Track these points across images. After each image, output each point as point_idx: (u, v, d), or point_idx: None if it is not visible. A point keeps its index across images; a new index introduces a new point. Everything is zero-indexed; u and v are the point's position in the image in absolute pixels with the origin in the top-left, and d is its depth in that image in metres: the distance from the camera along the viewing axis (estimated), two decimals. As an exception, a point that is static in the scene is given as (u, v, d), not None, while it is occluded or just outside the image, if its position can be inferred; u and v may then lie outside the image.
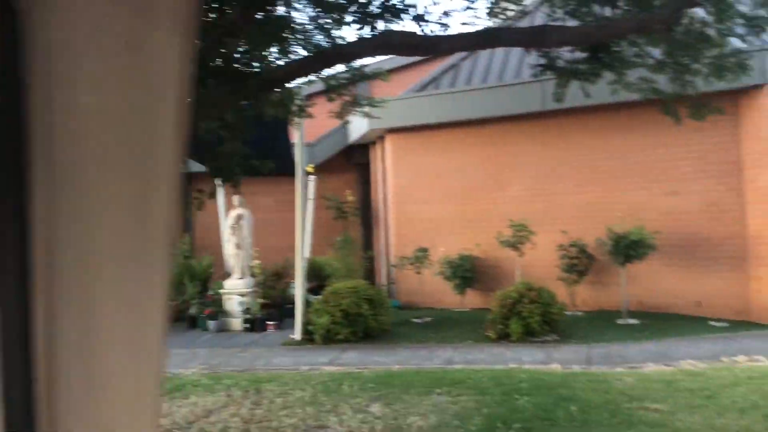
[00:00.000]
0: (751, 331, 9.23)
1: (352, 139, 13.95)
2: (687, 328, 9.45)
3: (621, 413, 5.75)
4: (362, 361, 8.49)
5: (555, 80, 5.21)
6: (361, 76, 7.50)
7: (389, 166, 12.83)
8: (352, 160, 14.71)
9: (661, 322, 9.93)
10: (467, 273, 11.41)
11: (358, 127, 13.19)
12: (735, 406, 5.83)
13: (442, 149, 12.23)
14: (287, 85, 5.12)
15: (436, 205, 12.24)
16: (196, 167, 12.65)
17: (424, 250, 11.22)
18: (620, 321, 10.04)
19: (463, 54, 13.17)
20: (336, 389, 7.00)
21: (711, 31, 5.93)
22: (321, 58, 4.62)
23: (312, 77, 6.83)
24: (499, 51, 12.48)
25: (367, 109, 8.48)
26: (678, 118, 6.01)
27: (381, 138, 13.31)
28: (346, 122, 7.62)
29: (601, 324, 9.99)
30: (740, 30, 6.07)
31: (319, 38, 4.80)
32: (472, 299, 11.73)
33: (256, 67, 4.45)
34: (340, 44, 4.87)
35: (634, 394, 6.34)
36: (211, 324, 11.29)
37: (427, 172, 12.35)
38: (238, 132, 4.63)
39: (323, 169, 13.77)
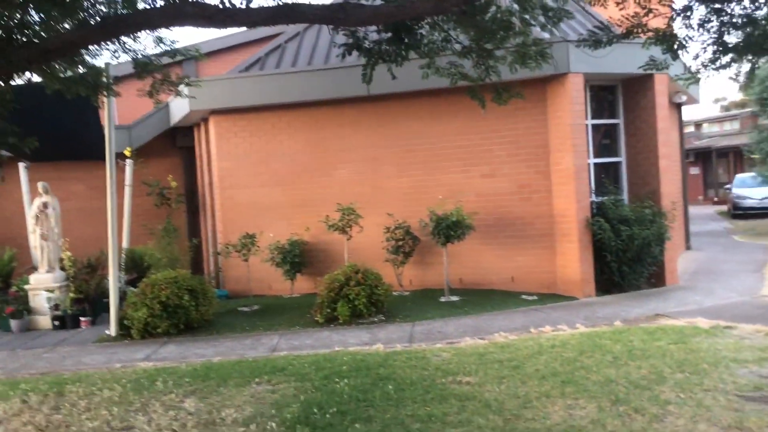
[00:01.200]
0: (557, 303, 9.98)
1: (174, 121, 13.23)
2: (502, 303, 10.02)
3: (435, 388, 5.92)
4: (182, 355, 8.08)
5: (363, 62, 5.17)
6: (172, 53, 7.07)
7: (213, 150, 12.32)
8: (176, 143, 13.97)
9: (479, 297, 10.45)
10: (297, 258, 11.28)
11: (180, 108, 12.53)
12: (537, 374, 6.23)
13: (268, 132, 11.94)
14: (70, 56, 4.63)
15: (264, 189, 11.96)
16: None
17: (251, 236, 10.91)
18: (443, 299, 10.42)
19: (288, 35, 12.95)
20: (148, 386, 6.57)
21: (515, 20, 6.22)
22: (104, 26, 4.20)
23: (113, 51, 6.31)
24: (324, 33, 12.39)
25: (182, 88, 8.02)
26: (483, 103, 6.25)
27: (205, 120, 12.75)
28: (159, 102, 7.14)
29: (425, 302, 10.31)
30: (542, 19, 6.43)
31: (102, 4, 4.38)
32: (302, 285, 11.62)
33: (27, 36, 3.96)
34: (126, 12, 4.46)
35: (449, 368, 6.57)
36: (14, 323, 10.22)
37: (253, 155, 12.01)
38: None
39: (144, 153, 12.96)
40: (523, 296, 10.47)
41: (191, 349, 8.35)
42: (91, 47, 5.68)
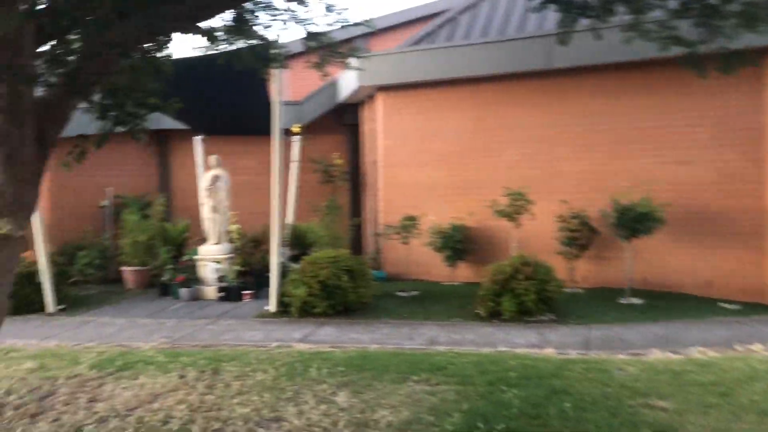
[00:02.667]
0: (766, 316, 8.45)
1: (342, 97, 13.01)
2: (695, 310, 8.66)
3: (622, 412, 4.99)
4: (338, 338, 7.73)
5: (560, 17, 4.32)
6: (342, 22, 6.65)
7: (379, 127, 11.93)
8: (343, 121, 13.79)
9: (667, 301, 9.15)
10: (459, 244, 10.61)
11: (348, 84, 12.27)
12: (754, 406, 5.06)
13: (434, 109, 11.32)
14: (204, 23, 4.25)
15: (427, 169, 11.39)
16: (171, 124, 11.82)
17: (413, 218, 10.38)
18: (623, 300, 9.25)
19: (462, 6, 12.18)
20: (302, 372, 6.24)
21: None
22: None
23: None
24: (502, 2, 11.49)
25: (351, 60, 7.60)
26: (704, 72, 5.11)
27: (371, 97, 12.39)
28: (326, 75, 6.72)
29: (602, 303, 9.21)
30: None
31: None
32: (463, 272, 10.95)
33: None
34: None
35: (637, 387, 5.57)
36: (184, 292, 10.54)
37: (418, 133, 11.47)
38: (146, 75, 3.79)
39: (311, 129, 12.89)
40: (722, 304, 9.01)
41: (348, 333, 7.98)
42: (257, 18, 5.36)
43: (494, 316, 8.48)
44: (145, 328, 8.68)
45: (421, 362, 6.43)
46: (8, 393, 5.80)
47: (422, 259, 11.02)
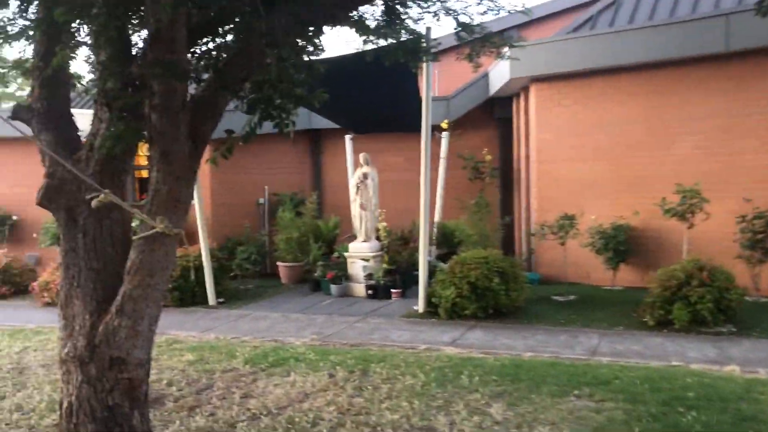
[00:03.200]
0: None
1: (493, 91, 12.54)
2: None
3: (833, 449, 4.20)
4: (489, 344, 7.35)
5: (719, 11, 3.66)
6: (496, 10, 6.27)
7: (533, 120, 11.35)
8: (493, 115, 13.31)
9: None
10: (621, 245, 9.80)
11: (500, 77, 11.79)
12: None
13: (594, 100, 10.54)
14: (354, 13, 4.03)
15: (585, 164, 10.64)
16: (324, 123, 11.98)
17: (571, 217, 9.70)
18: (819, 312, 8.06)
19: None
20: (453, 379, 5.93)
21: None
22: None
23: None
24: (671, -19, 10.48)
25: (505, 50, 7.19)
26: None
27: (525, 89, 11.81)
28: (478, 66, 6.36)
29: (792, 315, 8.08)
30: None
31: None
32: (625, 276, 10.11)
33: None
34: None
35: None
36: (334, 288, 10.64)
37: (575, 126, 10.75)
38: (295, 68, 3.62)
39: (460, 125, 12.56)
40: None
41: (499, 338, 7.57)
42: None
43: (663, 325, 7.68)
44: (297, 323, 8.81)
45: (582, 374, 5.89)
46: (169, 384, 6.02)
47: (579, 261, 10.31)
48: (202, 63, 3.63)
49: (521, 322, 8.35)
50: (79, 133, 4.18)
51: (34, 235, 12.62)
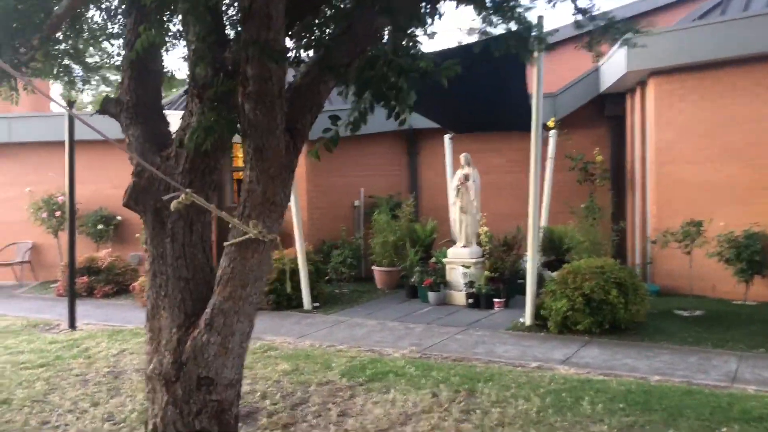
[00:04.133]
0: None
1: (606, 86, 11.64)
2: None
3: None
4: (607, 363, 6.59)
5: None
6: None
7: (651, 118, 10.38)
8: (604, 113, 12.37)
9: None
10: (756, 255, 8.73)
11: (614, 70, 10.89)
12: None
13: (724, 94, 9.49)
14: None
15: (713, 165, 9.60)
16: (421, 123, 11.47)
17: (698, 223, 8.72)
18: None
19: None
20: (572, 405, 5.27)
21: None
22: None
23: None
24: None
25: (628, 36, 6.46)
26: None
27: (641, 83, 10.85)
28: (599, 56, 5.65)
29: None
30: None
31: None
32: (761, 290, 9.02)
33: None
34: None
35: None
36: (432, 296, 10.11)
37: (701, 123, 9.72)
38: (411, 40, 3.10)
39: (568, 123, 11.75)
40: None
41: (618, 357, 6.79)
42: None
43: (815, 350, 6.67)
44: (394, 332, 8.34)
45: (727, 407, 5.08)
46: (263, 397, 5.67)
47: (704, 272, 9.30)
48: (303, 42, 3.19)
49: (642, 339, 7.52)
50: (169, 129, 3.86)
51: (137, 235, 12.83)
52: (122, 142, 3.81)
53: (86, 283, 11.58)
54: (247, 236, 3.11)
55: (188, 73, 3.45)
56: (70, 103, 8.82)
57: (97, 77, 7.09)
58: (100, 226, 13.05)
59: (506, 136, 12.30)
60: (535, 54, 6.90)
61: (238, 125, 3.23)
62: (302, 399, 5.63)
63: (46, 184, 13.05)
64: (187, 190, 2.93)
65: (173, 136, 3.70)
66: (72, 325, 8.93)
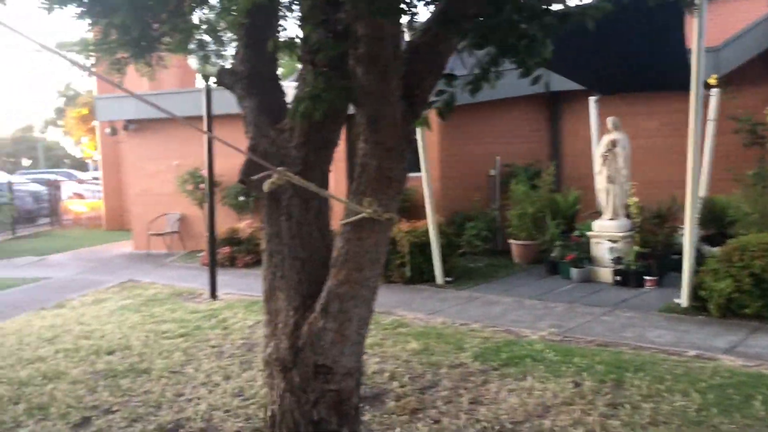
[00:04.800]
0: None
1: (780, 36, 10.18)
2: None
3: None
4: (784, 356, 5.72)
5: None
6: None
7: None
8: (776, 67, 10.88)
9: None
10: None
11: (790, 17, 9.47)
12: None
13: None
14: None
15: None
16: (562, 85, 10.65)
17: None
18: None
19: None
20: (741, 404, 4.57)
21: None
22: None
23: None
24: None
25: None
26: None
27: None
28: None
29: None
30: None
31: None
32: None
33: None
34: None
35: None
36: (574, 272, 9.41)
37: None
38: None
39: (733, 80, 10.42)
40: None
41: (797, 350, 5.89)
42: None
43: None
44: (531, 311, 7.83)
45: None
46: (392, 378, 5.44)
47: None
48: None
49: (826, 328, 6.50)
50: (285, 100, 3.63)
51: (275, 206, 13.12)
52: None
53: (228, 253, 11.99)
54: (361, 215, 2.80)
55: (300, 37, 3.17)
56: (206, 77, 8.99)
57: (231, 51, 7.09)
58: (241, 198, 13.47)
59: (657, 97, 11.16)
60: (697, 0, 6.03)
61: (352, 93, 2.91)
62: (432, 382, 5.34)
63: (192, 158, 13.63)
64: (280, 168, 2.66)
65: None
66: (213, 294, 9.23)
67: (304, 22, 3.01)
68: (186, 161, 13.82)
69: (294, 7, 3.37)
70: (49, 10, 5.61)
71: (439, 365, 5.74)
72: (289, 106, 3.50)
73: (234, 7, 3.56)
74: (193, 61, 8.50)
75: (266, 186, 2.72)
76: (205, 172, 13.26)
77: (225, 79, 3.59)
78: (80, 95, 47.46)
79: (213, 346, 6.63)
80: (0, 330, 7.52)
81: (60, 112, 51.98)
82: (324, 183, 3.39)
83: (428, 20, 2.85)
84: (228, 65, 4.62)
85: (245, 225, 12.60)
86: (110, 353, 6.45)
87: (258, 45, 3.58)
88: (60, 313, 8.37)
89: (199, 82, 17.33)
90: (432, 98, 2.75)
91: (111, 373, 5.82)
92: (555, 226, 10.36)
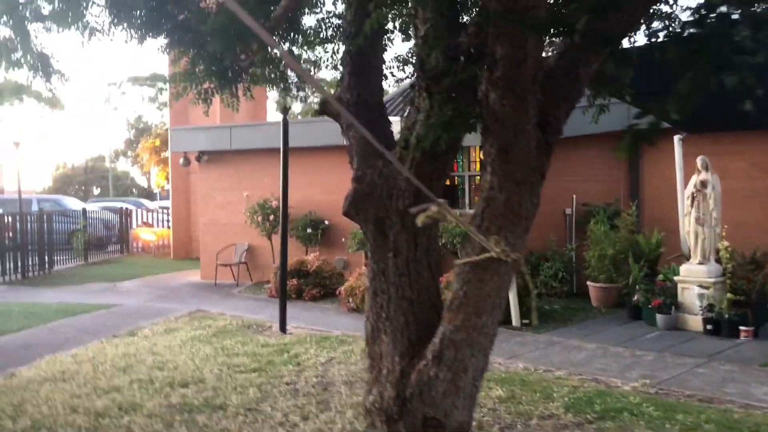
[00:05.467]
0: None
1: None
2: None
3: None
4: None
5: None
6: None
7: None
8: None
9: None
10: None
11: None
12: None
13: None
14: None
15: None
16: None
17: None
18: None
19: None
20: None
21: None
22: None
23: None
24: None
25: None
26: None
27: None
28: None
29: None
30: None
31: None
32: None
33: None
34: None
35: None
36: (660, 319, 8.88)
37: None
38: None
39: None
40: None
41: None
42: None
43: None
44: (618, 358, 7.37)
45: None
46: (479, 427, 5.09)
47: None
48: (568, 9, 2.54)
49: None
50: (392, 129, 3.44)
51: (343, 239, 12.99)
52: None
53: (295, 285, 11.87)
54: (487, 255, 2.54)
55: (415, 63, 2.98)
56: (285, 110, 8.99)
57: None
58: (308, 230, 13.41)
59: (748, 136, 10.61)
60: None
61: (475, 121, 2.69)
62: (523, 434, 4.98)
63: (261, 189, 13.69)
64: (441, 200, 2.43)
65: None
66: (283, 328, 9.07)
67: (425, 46, 2.82)
68: (255, 192, 13.90)
69: (408, 33, 3.19)
70: (141, 40, 5.64)
71: (528, 415, 5.37)
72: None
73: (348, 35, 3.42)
74: (273, 94, 8.51)
75: (419, 220, 2.49)
76: (274, 204, 13.35)
77: (330, 107, 3.43)
78: (151, 127, 49.23)
79: (287, 383, 6.43)
80: (75, 357, 7.51)
81: (129, 143, 53.94)
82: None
83: (565, 42, 2.62)
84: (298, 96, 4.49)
85: (313, 257, 12.49)
86: (184, 386, 6.32)
87: (364, 72, 3.41)
88: (132, 342, 8.34)
89: (271, 116, 17.58)
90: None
91: (186, 407, 5.67)
92: (637, 268, 9.85)
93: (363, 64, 3.41)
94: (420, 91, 2.95)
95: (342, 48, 5.23)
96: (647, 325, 9.04)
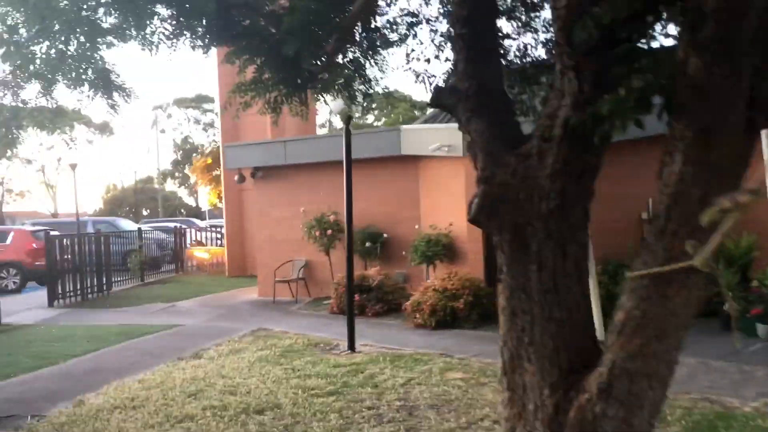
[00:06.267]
0: None
1: None
2: None
3: None
4: None
5: None
6: None
7: None
8: None
9: None
10: None
11: None
12: None
13: None
14: None
15: None
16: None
17: None
18: None
19: None
20: None
21: None
22: None
23: None
24: None
25: None
26: None
27: None
28: None
29: None
30: None
31: None
32: None
33: None
34: None
35: None
36: (762, 329, 8.15)
37: None
38: None
39: None
40: None
41: None
42: None
43: None
44: (725, 374, 6.71)
45: None
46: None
47: None
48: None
49: None
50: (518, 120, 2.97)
51: (403, 252, 12.53)
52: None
53: (358, 301, 11.43)
54: (680, 265, 2.04)
55: (557, 41, 2.50)
56: (348, 119, 8.61)
57: (379, 92, 6.63)
58: (367, 244, 12.98)
59: None
60: None
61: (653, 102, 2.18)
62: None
63: (318, 204, 13.34)
64: (754, 186, 1.93)
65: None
66: (351, 347, 8.64)
67: (569, 19, 2.34)
68: (312, 207, 13.56)
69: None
70: (206, 49, 5.30)
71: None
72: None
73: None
74: (333, 104, 8.14)
75: (706, 217, 1.97)
76: (332, 218, 13.00)
77: (444, 98, 2.98)
78: (197, 147, 49.81)
79: (368, 408, 5.97)
80: (143, 383, 7.19)
81: (177, 164, 54.68)
82: (584, 224, 2.67)
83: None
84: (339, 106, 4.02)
85: (374, 272, 12.06)
86: (260, 412, 5.92)
87: (482, 58, 2.95)
88: (199, 364, 8.01)
89: (319, 130, 17.29)
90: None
91: (266, 437, 5.26)
92: (729, 275, 9.11)
93: (479, 48, 2.96)
94: (565, 71, 2.47)
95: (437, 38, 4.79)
96: (747, 336, 8.30)
